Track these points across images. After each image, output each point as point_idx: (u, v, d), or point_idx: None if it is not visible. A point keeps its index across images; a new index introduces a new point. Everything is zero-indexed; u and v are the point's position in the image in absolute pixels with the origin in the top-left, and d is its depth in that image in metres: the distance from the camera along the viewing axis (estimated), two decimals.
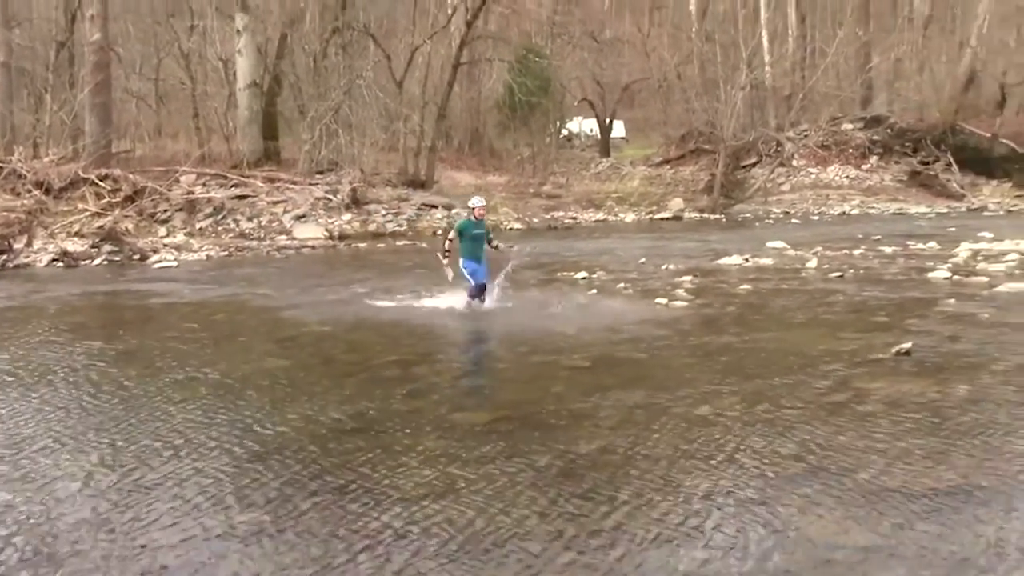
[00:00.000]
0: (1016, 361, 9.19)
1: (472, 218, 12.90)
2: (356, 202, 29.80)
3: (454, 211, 31.19)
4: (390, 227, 29.25)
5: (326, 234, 27.08)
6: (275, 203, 28.96)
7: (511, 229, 31.13)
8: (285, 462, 6.40)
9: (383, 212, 30.15)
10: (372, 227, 28.95)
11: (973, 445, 6.56)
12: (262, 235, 26.47)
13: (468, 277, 12.64)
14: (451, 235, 12.88)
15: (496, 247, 13.31)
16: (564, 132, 52.86)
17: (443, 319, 12.56)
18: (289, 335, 11.85)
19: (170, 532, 5.21)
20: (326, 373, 9.50)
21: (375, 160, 34.20)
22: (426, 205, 31.29)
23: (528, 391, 8.58)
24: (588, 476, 6.05)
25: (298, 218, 28.15)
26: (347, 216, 29.00)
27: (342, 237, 27.19)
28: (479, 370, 9.41)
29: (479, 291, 12.69)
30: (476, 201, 13.03)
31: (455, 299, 13.21)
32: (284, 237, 26.32)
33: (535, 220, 33.09)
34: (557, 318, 12.57)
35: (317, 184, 30.45)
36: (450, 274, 12.76)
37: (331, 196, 29.57)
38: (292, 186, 30.08)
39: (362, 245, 25.75)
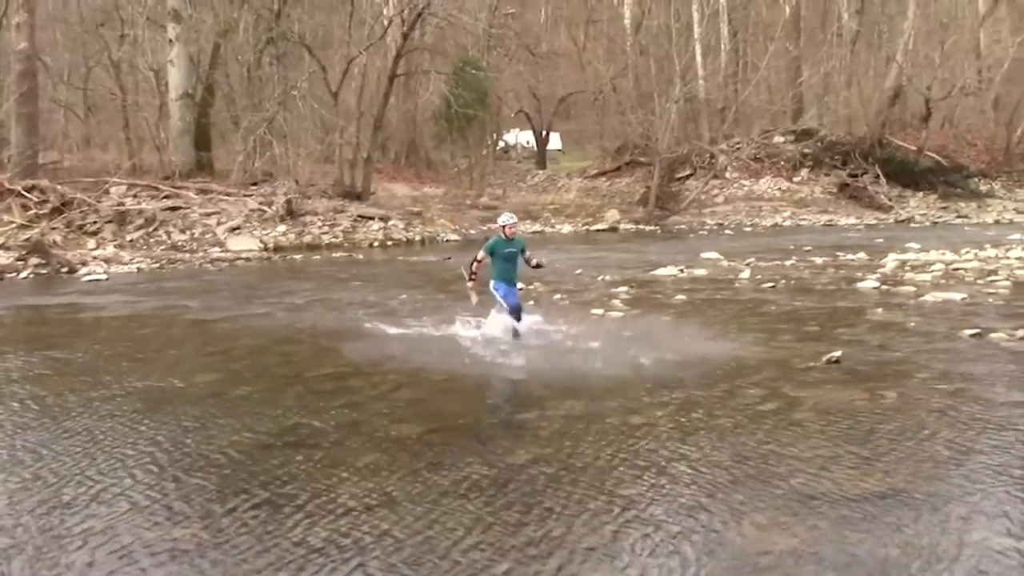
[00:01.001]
0: (941, 368, 9.42)
1: (502, 236, 11.43)
2: (291, 214, 29.53)
3: (390, 222, 31.07)
4: (326, 239, 29.02)
5: (261, 246, 26.80)
6: (208, 215, 28.58)
7: (447, 240, 31.10)
8: (217, 477, 6.31)
9: (319, 224, 29.91)
10: (308, 239, 28.70)
11: (900, 451, 6.70)
12: (195, 247, 26.10)
13: (500, 301, 11.43)
14: (480, 255, 11.49)
15: (536, 265, 11.98)
16: (501, 144, 53.05)
17: (378, 332, 12.48)
18: (222, 348, 11.69)
19: (98, 550, 5.11)
20: (260, 386, 9.38)
21: (310, 171, 33.95)
22: (362, 217, 31.10)
23: (465, 403, 8.58)
24: (525, 487, 6.06)
25: (232, 230, 27.81)
26: (282, 228, 28.73)
27: (277, 249, 26.93)
28: (415, 382, 9.35)
29: (515, 314, 11.43)
30: (506, 218, 11.58)
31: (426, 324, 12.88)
32: (217, 249, 25.98)
33: (472, 231, 33.09)
34: (494, 330, 12.57)
35: (251, 195, 30.13)
36: (475, 298, 11.74)
37: (265, 207, 29.28)
38: (226, 197, 29.72)
39: (297, 257, 25.53)
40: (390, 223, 31.17)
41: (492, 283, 11.46)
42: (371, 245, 28.96)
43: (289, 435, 7.32)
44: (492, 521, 5.46)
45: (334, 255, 25.90)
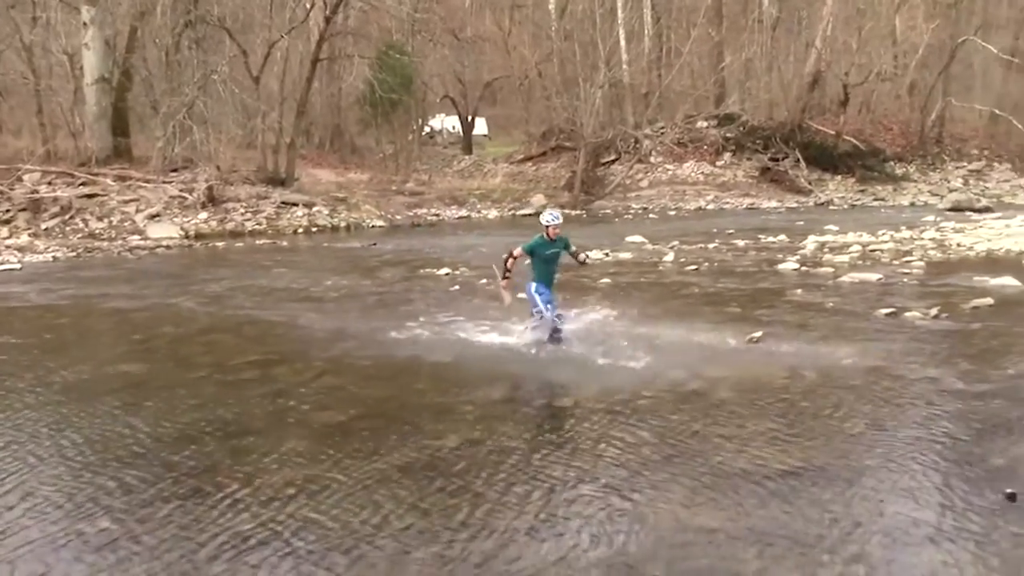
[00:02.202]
0: (858, 347, 9.64)
1: (545, 236, 10.18)
2: (213, 200, 28.97)
3: (315, 209, 30.72)
4: (249, 226, 28.55)
5: (182, 233, 26.27)
6: (127, 202, 27.91)
7: (373, 227, 30.87)
8: (138, 468, 6.20)
9: (241, 210, 29.39)
10: (230, 226, 28.19)
11: (819, 428, 6.86)
12: (113, 235, 25.48)
13: (540, 306, 10.11)
14: (516, 251, 10.27)
15: (584, 261, 10.96)
16: (427, 129, 52.75)
17: (302, 319, 12.36)
18: (142, 338, 11.46)
19: (14, 541, 4.99)
20: (181, 376, 9.23)
21: (232, 157, 33.31)
22: (286, 203, 30.65)
23: (390, 388, 8.54)
24: (452, 470, 6.07)
25: (151, 217, 27.21)
26: (203, 215, 28.18)
27: (198, 236, 26.42)
28: (340, 369, 9.29)
29: (552, 323, 10.23)
30: (550, 217, 10.25)
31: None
32: (137, 237, 25.40)
33: (398, 217, 32.88)
34: (420, 314, 12.54)
35: (171, 182, 29.47)
36: (508, 299, 10.60)
37: (186, 194, 28.68)
38: (145, 184, 29.05)
39: (220, 244, 25.09)
40: (314, 209, 30.79)
41: (533, 286, 10.19)
42: (295, 232, 28.59)
43: (212, 424, 7.22)
44: (421, 505, 5.47)
45: (257, 242, 25.52)
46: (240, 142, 35.15)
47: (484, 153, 52.17)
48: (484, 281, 15.84)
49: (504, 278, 10.45)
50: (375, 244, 24.36)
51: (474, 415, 7.42)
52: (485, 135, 58.51)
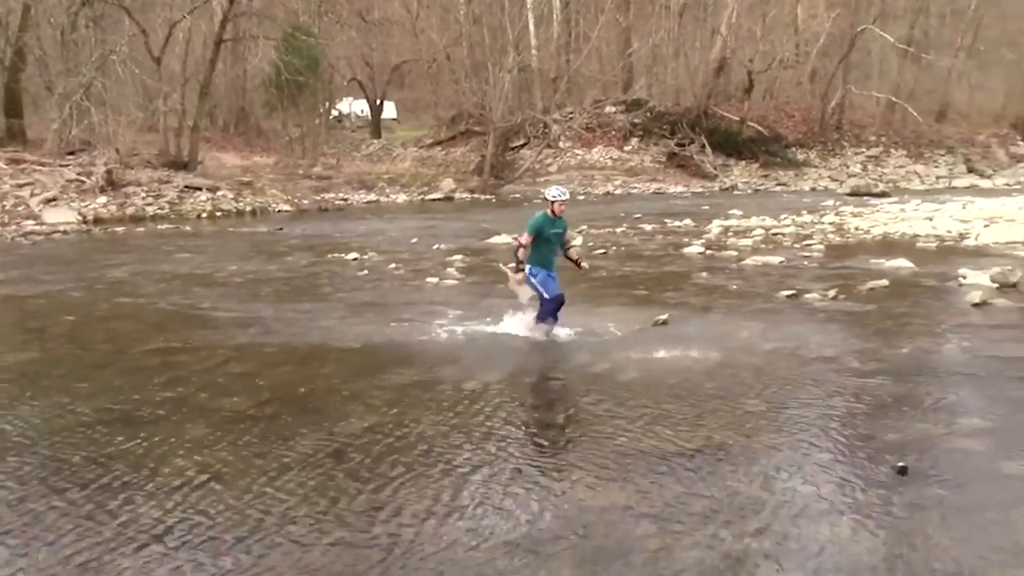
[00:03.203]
0: (760, 328, 9.88)
1: (549, 213, 9.40)
2: (112, 184, 28.15)
3: (219, 193, 30.12)
4: (151, 210, 27.83)
5: (79, 218, 25.47)
6: (21, 186, 26.96)
7: (280, 212, 30.44)
8: (34, 459, 6.02)
9: (142, 195, 28.64)
10: (131, 210, 27.43)
11: (721, 408, 7.00)
12: (6, 220, 24.57)
13: (539, 288, 9.39)
14: (525, 237, 9.34)
15: (577, 262, 9.98)
16: (334, 113, 52.02)
17: (206, 304, 12.12)
18: (38, 326, 11.11)
19: None
20: (80, 364, 8.97)
21: (133, 140, 32.43)
22: (190, 187, 29.96)
23: (297, 374, 8.44)
24: (359, 456, 6.03)
25: (47, 201, 26.32)
26: (102, 199, 27.36)
27: (97, 221, 25.65)
28: (245, 355, 9.14)
29: (556, 307, 9.46)
30: (556, 192, 9.46)
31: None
32: (32, 222, 24.54)
33: (305, 202, 32.47)
34: (328, 299, 12.42)
35: (68, 165, 28.58)
36: (525, 294, 9.78)
37: (84, 178, 27.82)
38: (40, 168, 28.10)
39: (120, 229, 24.39)
40: (219, 194, 30.20)
41: (529, 268, 9.43)
42: (199, 216, 27.99)
43: (112, 413, 7.03)
44: (326, 492, 5.42)
45: (160, 227, 24.91)
46: (141, 125, 34.26)
47: (393, 137, 51.75)
48: (393, 265, 15.77)
49: (519, 270, 9.52)
50: (281, 229, 24.02)
51: (383, 400, 7.38)
52: (394, 119, 58.01)
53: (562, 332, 9.48)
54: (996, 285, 12.11)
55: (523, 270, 9.41)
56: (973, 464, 5.68)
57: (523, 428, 6.56)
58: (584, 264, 9.77)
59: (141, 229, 24.41)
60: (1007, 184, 40.77)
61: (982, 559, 4.41)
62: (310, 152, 40.41)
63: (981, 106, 50.68)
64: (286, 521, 4.99)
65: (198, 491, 5.42)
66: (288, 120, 42.63)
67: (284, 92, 39.45)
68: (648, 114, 45.06)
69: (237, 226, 25.67)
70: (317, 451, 6.12)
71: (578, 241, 18.81)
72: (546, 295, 9.33)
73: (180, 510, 5.14)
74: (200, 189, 30.16)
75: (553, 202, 9.31)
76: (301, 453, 6.08)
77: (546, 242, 9.36)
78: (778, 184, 41.31)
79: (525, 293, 9.61)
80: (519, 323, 9.70)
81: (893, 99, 46.25)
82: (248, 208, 30.24)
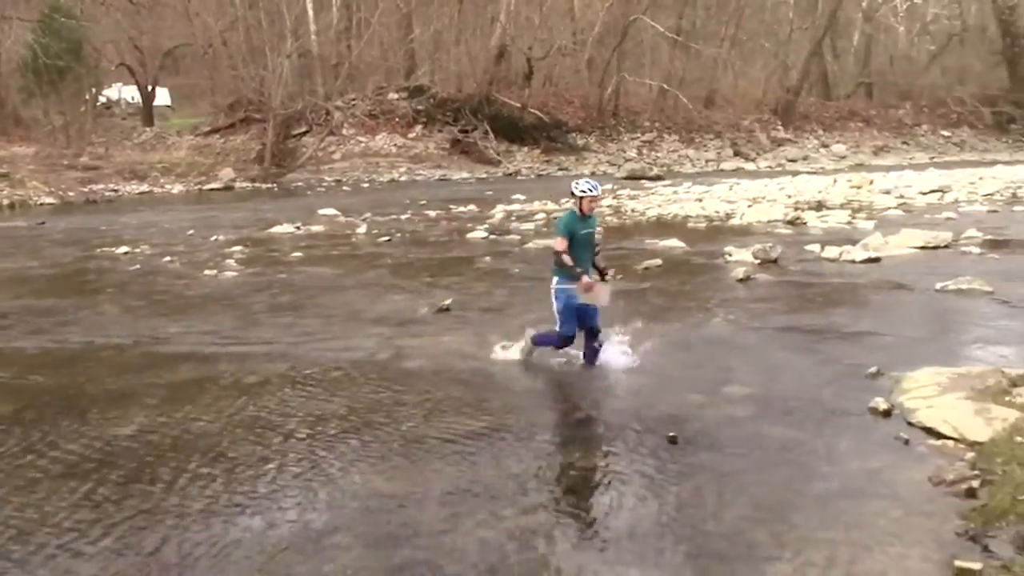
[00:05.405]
0: (540, 311, 10.01)
1: (578, 211, 7.62)
2: None
3: None
4: None
5: None
6: None
7: (42, 204, 28.58)
8: None
9: None
10: None
11: (501, 391, 7.10)
12: None
13: (556, 314, 7.64)
14: (560, 245, 7.49)
15: (603, 271, 7.80)
16: (102, 99, 49.27)
17: None
18: None
19: None
20: None
21: None
22: None
23: (62, 376, 7.93)
24: (130, 458, 5.74)
25: None
26: None
27: None
28: (2, 359, 8.51)
29: (563, 345, 7.78)
30: (586, 186, 7.57)
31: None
32: None
33: (71, 193, 30.64)
34: (96, 296, 11.76)
35: None
36: (605, 295, 7.67)
37: None
38: None
39: None
40: None
41: (556, 281, 7.61)
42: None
43: None
44: (94, 498, 5.13)
45: None
46: None
47: (167, 125, 49.55)
48: (168, 258, 15.12)
49: (582, 275, 7.41)
50: (44, 223, 22.54)
51: (156, 399, 7.05)
52: (168, 106, 55.51)
53: (606, 353, 7.73)
54: (758, 261, 12.88)
55: (583, 271, 7.44)
56: (737, 430, 6.01)
57: (306, 420, 6.41)
58: (610, 273, 7.87)
59: None
60: (769, 166, 43.58)
61: (746, 518, 4.66)
62: (76, 141, 38.06)
63: (745, 93, 53.78)
64: (48, 531, 4.70)
65: None
66: (50, 107, 39.98)
67: (44, 77, 36.98)
68: (431, 101, 45.15)
69: None
70: (84, 455, 5.79)
71: (285, 228, 18.76)
72: (559, 328, 7.65)
73: None
74: None
75: (582, 197, 7.51)
76: (66, 458, 5.74)
77: (578, 245, 7.55)
78: (560, 169, 42.38)
79: (604, 294, 7.64)
80: (514, 350, 8.08)
81: (665, 86, 48.36)
82: (5, 202, 28.23)
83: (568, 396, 6.92)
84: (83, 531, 4.70)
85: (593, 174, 40.35)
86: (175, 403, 6.93)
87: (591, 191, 7.49)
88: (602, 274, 7.75)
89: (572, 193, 7.61)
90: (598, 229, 7.99)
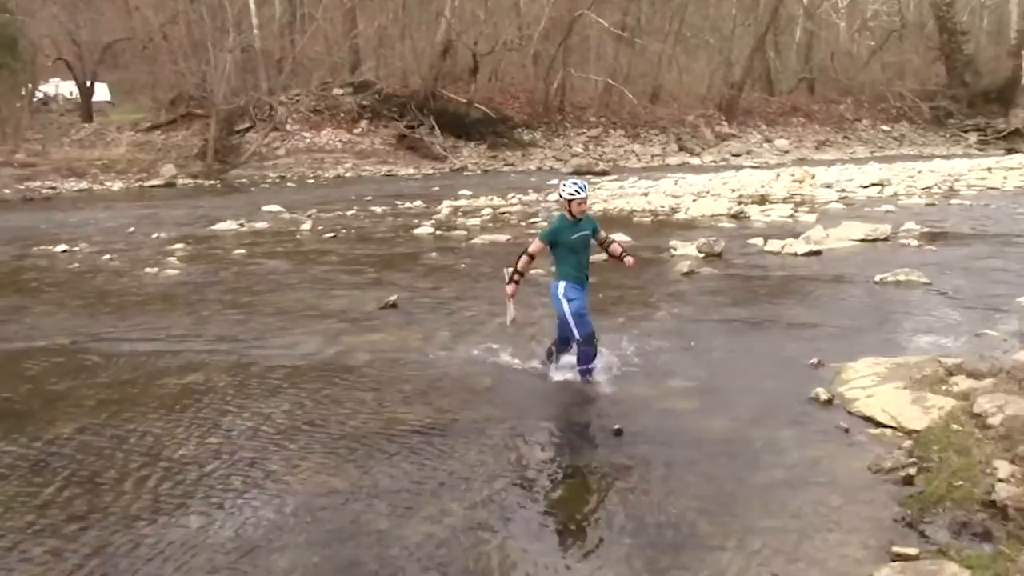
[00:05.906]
0: (486, 306, 10.03)
1: (568, 215, 7.11)
2: None
3: None
4: None
5: None
6: None
7: None
8: None
9: None
10: None
11: (448, 385, 7.08)
12: None
13: (568, 318, 7.04)
14: (533, 247, 7.14)
15: (621, 256, 7.46)
16: (39, 95, 48.23)
17: None
18: None
19: None
20: None
21: None
22: None
23: None
24: (68, 461, 5.64)
25: None
26: None
27: None
28: None
29: (593, 347, 7.19)
30: (573, 188, 7.07)
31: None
32: None
33: (6, 191, 30.00)
34: (34, 295, 11.53)
35: None
36: (512, 312, 7.46)
37: None
38: None
39: None
40: None
41: (559, 286, 7.09)
42: None
43: None
44: (29, 503, 5.04)
45: None
46: None
47: (107, 121, 48.61)
48: (107, 257, 14.87)
49: (511, 281, 7.29)
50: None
51: (95, 400, 6.94)
52: (108, 101, 54.46)
53: (599, 362, 7.29)
54: (702, 255, 13.00)
55: (516, 281, 7.27)
56: (680, 423, 6.07)
57: (249, 420, 6.34)
58: (629, 259, 7.47)
59: None
60: (713, 161, 44.01)
61: (691, 509, 4.72)
62: (11, 137, 37.27)
63: (689, 88, 54.17)
64: None
65: None
66: None
67: None
68: (376, 96, 44.89)
69: None
70: (21, 459, 5.69)
71: (228, 225, 18.61)
72: (576, 333, 7.06)
73: None
74: None
75: (570, 200, 7.01)
76: (4, 460, 5.63)
77: (572, 251, 7.10)
78: (506, 164, 42.39)
79: (512, 311, 7.46)
80: (558, 368, 7.38)
81: (610, 81, 48.55)
82: None
83: (514, 392, 6.92)
84: (21, 535, 4.62)
85: (540, 169, 40.47)
86: (115, 404, 6.82)
87: (578, 193, 6.99)
88: (620, 258, 7.41)
89: (560, 196, 7.17)
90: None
